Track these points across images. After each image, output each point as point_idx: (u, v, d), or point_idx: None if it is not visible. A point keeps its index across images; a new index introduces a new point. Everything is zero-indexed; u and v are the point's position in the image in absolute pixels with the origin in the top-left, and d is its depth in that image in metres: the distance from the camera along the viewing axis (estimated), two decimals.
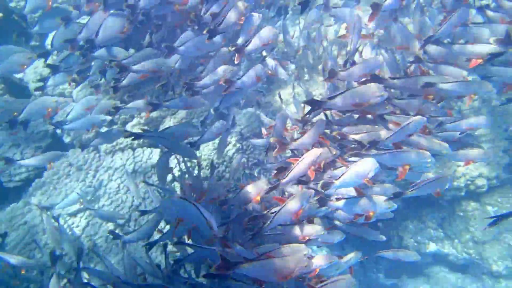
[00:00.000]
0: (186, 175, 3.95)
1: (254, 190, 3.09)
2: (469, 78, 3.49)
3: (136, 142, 5.13)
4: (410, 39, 3.67)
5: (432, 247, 5.24)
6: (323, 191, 2.92)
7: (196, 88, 3.33)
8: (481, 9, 3.29)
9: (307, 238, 2.94)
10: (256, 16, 3.56)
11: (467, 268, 5.32)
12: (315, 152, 3.03)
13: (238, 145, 4.76)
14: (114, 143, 5.13)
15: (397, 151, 2.83)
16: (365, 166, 2.79)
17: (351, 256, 3.45)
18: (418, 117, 2.90)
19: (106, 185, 5.13)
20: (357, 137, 3.17)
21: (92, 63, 3.94)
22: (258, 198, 3.03)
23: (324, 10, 4.01)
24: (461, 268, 5.36)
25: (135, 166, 5.16)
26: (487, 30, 3.01)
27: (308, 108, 3.25)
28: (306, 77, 5.15)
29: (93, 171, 5.25)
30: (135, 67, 3.25)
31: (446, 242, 5.23)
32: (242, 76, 3.35)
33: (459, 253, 5.20)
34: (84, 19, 3.98)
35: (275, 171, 3.30)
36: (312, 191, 2.94)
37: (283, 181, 3.01)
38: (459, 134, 3.24)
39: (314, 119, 3.55)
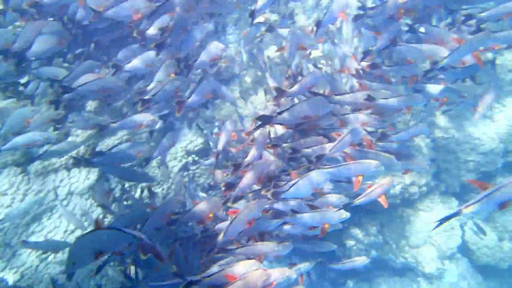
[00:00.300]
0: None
1: (207, 207, 3.04)
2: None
3: (72, 161, 4.78)
4: (348, 61, 3.90)
5: (373, 253, 5.49)
6: (273, 200, 2.98)
7: (150, 103, 3.24)
8: (413, 29, 3.59)
9: (263, 257, 2.96)
10: (199, 30, 3.57)
11: (405, 271, 5.65)
12: (263, 163, 3.08)
13: (184, 160, 4.65)
14: (47, 163, 4.73)
15: (349, 163, 2.94)
16: (315, 177, 2.87)
17: (301, 266, 3.53)
18: (355, 127, 3.06)
19: (36, 210, 4.71)
20: (307, 151, 3.27)
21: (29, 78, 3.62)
22: (212, 215, 2.97)
23: (268, 30, 4.12)
24: (399, 272, 5.67)
25: (71, 187, 4.80)
26: (423, 50, 3.30)
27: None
28: (251, 92, 5.22)
29: (21, 195, 4.78)
30: (81, 88, 3.09)
31: (385, 247, 5.51)
32: (191, 93, 3.33)
33: (397, 257, 5.51)
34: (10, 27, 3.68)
35: (224, 188, 3.29)
36: (265, 200, 2.96)
37: (234, 193, 3.02)
38: (404, 143, 3.48)
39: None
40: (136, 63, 3.29)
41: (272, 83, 4.50)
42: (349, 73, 3.89)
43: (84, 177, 4.82)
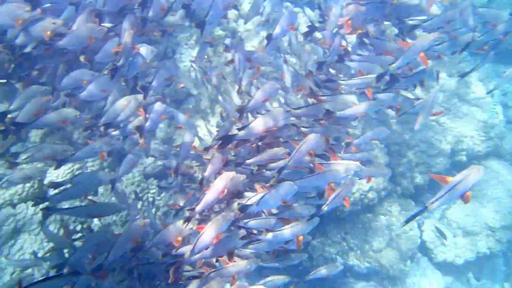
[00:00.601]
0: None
1: (175, 230, 2.92)
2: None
3: (17, 197, 4.43)
4: (302, 80, 3.95)
5: (338, 260, 5.53)
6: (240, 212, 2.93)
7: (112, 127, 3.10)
8: (363, 43, 3.74)
9: (236, 277, 2.88)
10: (150, 50, 3.47)
11: (370, 276, 5.75)
12: (224, 177, 3.02)
13: (142, 185, 4.46)
14: None
15: (318, 173, 2.93)
16: (284, 189, 2.84)
17: (274, 279, 3.49)
18: (312, 134, 3.08)
19: None
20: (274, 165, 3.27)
21: None
22: (180, 238, 2.85)
23: (226, 50, 4.10)
24: (365, 277, 5.76)
25: (17, 224, 4.42)
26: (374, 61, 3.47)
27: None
28: (207, 110, 5.15)
29: None
30: (37, 122, 2.96)
31: (350, 254, 5.59)
32: (148, 118, 3.25)
33: (362, 263, 5.60)
34: None
35: (189, 210, 3.19)
36: (232, 214, 2.89)
37: (197, 209, 2.95)
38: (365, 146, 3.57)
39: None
40: (91, 90, 3.14)
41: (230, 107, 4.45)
42: (304, 91, 3.93)
43: (32, 212, 4.47)
